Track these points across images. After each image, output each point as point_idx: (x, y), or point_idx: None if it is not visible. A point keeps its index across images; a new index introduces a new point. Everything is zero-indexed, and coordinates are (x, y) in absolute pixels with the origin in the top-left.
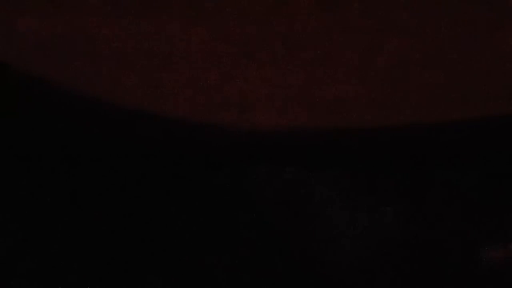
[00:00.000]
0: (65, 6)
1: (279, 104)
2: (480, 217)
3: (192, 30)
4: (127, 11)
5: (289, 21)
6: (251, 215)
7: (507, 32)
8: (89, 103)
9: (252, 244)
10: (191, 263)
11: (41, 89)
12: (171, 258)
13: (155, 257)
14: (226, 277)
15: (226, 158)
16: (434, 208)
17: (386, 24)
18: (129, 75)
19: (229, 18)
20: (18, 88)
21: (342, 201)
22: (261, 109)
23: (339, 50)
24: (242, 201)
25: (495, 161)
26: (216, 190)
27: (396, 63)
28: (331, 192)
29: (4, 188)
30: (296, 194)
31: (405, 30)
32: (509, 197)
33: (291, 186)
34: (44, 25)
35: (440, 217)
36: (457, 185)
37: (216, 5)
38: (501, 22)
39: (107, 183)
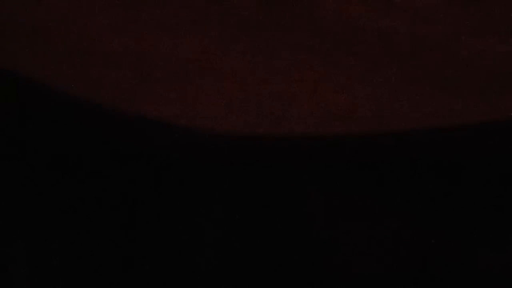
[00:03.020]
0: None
1: (279, 105)
2: (480, 218)
3: (189, 31)
4: (133, 15)
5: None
6: (250, 216)
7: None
8: (86, 104)
9: (251, 244)
10: (189, 264)
11: (42, 89)
12: (169, 259)
13: (153, 258)
14: (224, 277)
15: (225, 160)
16: (434, 210)
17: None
18: (127, 76)
19: (231, 24)
20: (18, 88)
21: (341, 201)
22: (260, 111)
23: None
24: (242, 201)
25: (495, 162)
26: (215, 191)
27: (396, 64)
28: (331, 192)
29: (4, 188)
30: (295, 194)
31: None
32: (509, 198)
33: (291, 186)
34: (45, 24)
35: (440, 219)
36: (456, 186)
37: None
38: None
39: (106, 184)
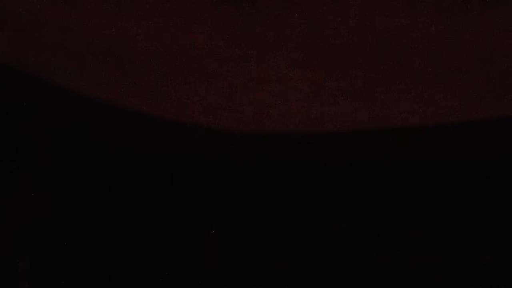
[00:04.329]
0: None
1: (280, 105)
2: (480, 218)
3: (190, 30)
4: (128, 13)
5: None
6: (251, 215)
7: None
8: (86, 102)
9: (251, 244)
10: (188, 264)
11: (41, 89)
12: (168, 259)
13: (152, 257)
14: (226, 274)
15: (226, 159)
16: (434, 210)
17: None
18: (128, 76)
19: (226, 18)
20: (18, 88)
21: (341, 201)
22: (260, 111)
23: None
24: (242, 201)
25: (495, 162)
26: (216, 190)
27: (395, 62)
28: (332, 192)
29: (4, 188)
30: (295, 194)
31: (404, 30)
32: (509, 198)
33: (290, 186)
34: (45, 23)
35: (440, 219)
36: (457, 186)
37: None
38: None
39: (107, 183)
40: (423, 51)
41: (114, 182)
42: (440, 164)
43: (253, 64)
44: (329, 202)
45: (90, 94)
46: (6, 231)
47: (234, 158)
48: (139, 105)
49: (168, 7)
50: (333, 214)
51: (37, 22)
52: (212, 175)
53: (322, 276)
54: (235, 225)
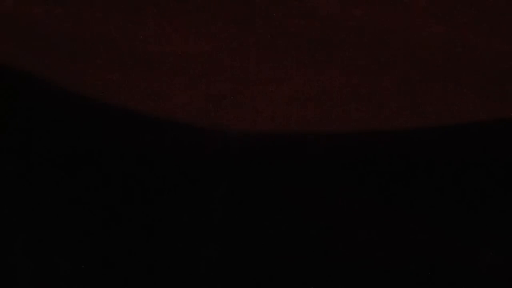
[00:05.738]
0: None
1: (279, 104)
2: (480, 218)
3: (189, 32)
4: (127, 13)
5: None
6: (248, 216)
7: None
8: (88, 103)
9: (249, 244)
10: (188, 264)
11: (41, 89)
12: (168, 259)
13: (152, 258)
14: (225, 275)
15: (224, 160)
16: (434, 209)
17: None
18: (128, 76)
19: (226, 21)
20: (18, 88)
21: (340, 201)
22: (258, 110)
23: (335, 51)
24: (240, 201)
25: (494, 162)
26: (214, 191)
27: (394, 62)
28: (332, 192)
29: (4, 188)
30: (294, 194)
31: (403, 30)
32: (509, 198)
33: (289, 186)
34: (45, 23)
35: (440, 218)
36: (456, 186)
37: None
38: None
39: (107, 183)
40: (424, 51)
41: (114, 182)
42: (439, 164)
43: (253, 64)
44: (329, 202)
45: (89, 94)
46: (6, 231)
47: (233, 158)
48: (139, 105)
49: (174, 9)
50: (333, 214)
51: (36, 22)
52: (211, 175)
53: (322, 276)
54: (235, 225)
